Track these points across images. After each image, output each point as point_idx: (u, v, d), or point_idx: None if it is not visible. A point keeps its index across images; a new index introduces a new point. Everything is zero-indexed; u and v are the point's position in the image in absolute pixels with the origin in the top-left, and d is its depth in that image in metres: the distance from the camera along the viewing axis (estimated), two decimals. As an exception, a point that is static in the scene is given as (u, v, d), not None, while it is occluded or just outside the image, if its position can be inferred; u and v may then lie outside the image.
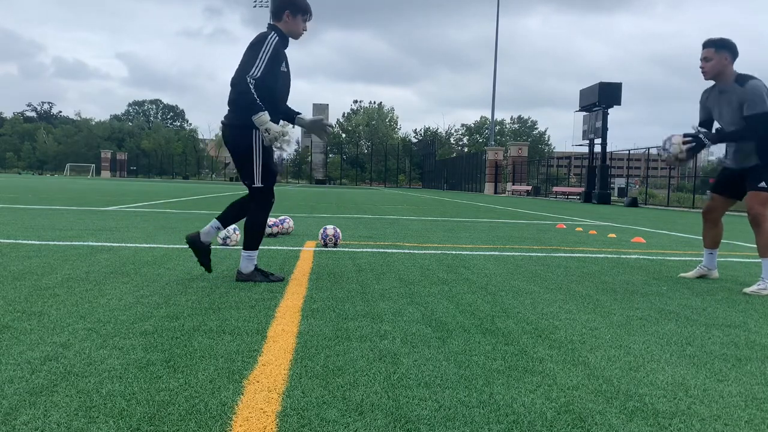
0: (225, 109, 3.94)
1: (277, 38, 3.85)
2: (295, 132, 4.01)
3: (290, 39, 4.03)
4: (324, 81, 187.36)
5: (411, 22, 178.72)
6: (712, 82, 4.60)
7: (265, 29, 3.95)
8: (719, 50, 4.42)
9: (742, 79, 4.39)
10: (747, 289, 4.31)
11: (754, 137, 4.37)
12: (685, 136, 4.52)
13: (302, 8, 3.97)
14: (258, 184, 3.92)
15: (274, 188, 4.01)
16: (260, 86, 3.74)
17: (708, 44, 4.47)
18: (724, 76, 4.45)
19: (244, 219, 4.05)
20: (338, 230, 6.16)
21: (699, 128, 4.72)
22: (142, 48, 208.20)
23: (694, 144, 4.47)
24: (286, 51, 3.97)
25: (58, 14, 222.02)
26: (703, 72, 4.51)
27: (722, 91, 4.51)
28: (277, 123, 3.90)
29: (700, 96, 4.77)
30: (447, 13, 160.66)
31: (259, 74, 3.72)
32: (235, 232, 5.85)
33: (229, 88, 3.85)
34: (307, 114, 4.17)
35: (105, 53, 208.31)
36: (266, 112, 3.75)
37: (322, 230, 6.12)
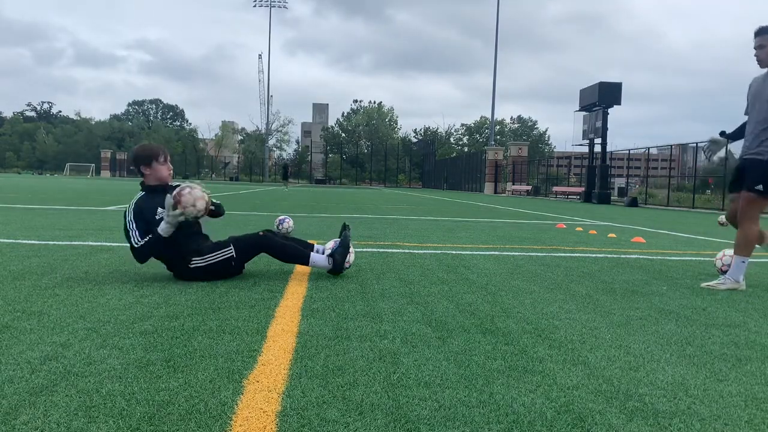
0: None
1: (141, 195, 3.95)
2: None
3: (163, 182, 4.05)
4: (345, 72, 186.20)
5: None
6: (763, 71, 4.44)
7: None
8: None
9: None
10: (704, 284, 4.36)
11: None
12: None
13: (152, 156, 4.01)
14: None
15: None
16: (148, 242, 3.79)
17: (762, 31, 4.34)
18: None
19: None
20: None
21: (726, 135, 4.69)
22: (156, 37, 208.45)
23: None
24: None
25: (64, 4, 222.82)
26: (758, 60, 4.37)
27: (766, 79, 4.38)
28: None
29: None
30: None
31: (139, 239, 3.80)
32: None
33: None
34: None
35: (117, 44, 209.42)
36: (158, 230, 3.77)
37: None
